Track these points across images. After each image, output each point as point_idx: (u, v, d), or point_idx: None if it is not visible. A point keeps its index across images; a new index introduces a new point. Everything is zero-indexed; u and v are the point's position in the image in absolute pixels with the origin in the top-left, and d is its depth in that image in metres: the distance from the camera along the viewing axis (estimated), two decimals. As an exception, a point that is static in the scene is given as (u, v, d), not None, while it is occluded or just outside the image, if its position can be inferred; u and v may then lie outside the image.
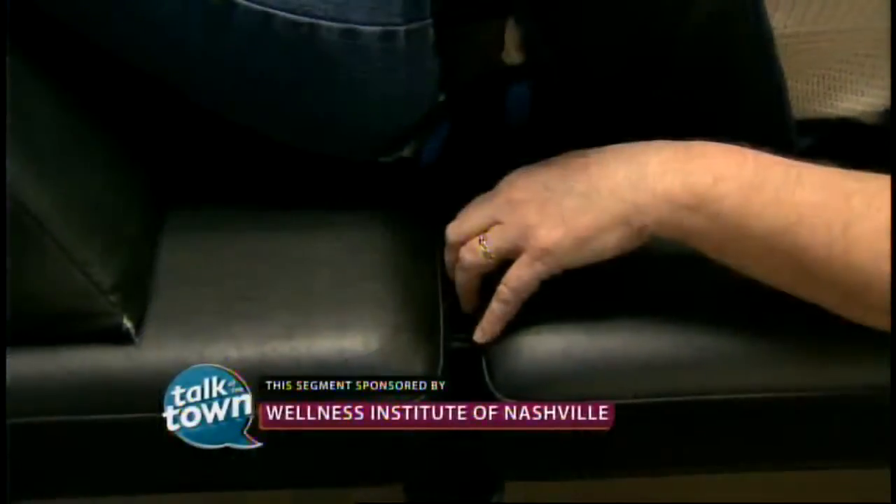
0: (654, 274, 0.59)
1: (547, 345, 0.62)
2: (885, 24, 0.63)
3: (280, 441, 0.59)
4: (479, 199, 0.63)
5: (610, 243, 0.57)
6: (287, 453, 0.63)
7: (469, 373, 0.65)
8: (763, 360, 0.62)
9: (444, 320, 0.66)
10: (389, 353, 0.61)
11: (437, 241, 0.71)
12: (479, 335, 0.63)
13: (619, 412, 0.61)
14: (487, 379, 0.63)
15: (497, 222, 0.60)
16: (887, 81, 0.66)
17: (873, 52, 0.64)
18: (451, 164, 0.72)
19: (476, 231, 0.61)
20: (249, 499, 0.96)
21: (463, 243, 0.62)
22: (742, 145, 0.57)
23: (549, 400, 0.58)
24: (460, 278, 0.63)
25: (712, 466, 0.71)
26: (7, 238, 0.54)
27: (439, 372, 0.62)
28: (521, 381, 0.62)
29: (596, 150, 0.59)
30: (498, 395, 0.62)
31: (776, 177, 0.54)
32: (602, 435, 0.61)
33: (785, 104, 0.64)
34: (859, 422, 0.64)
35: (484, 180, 0.66)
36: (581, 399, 0.58)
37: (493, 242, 0.60)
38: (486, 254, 0.60)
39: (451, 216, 0.73)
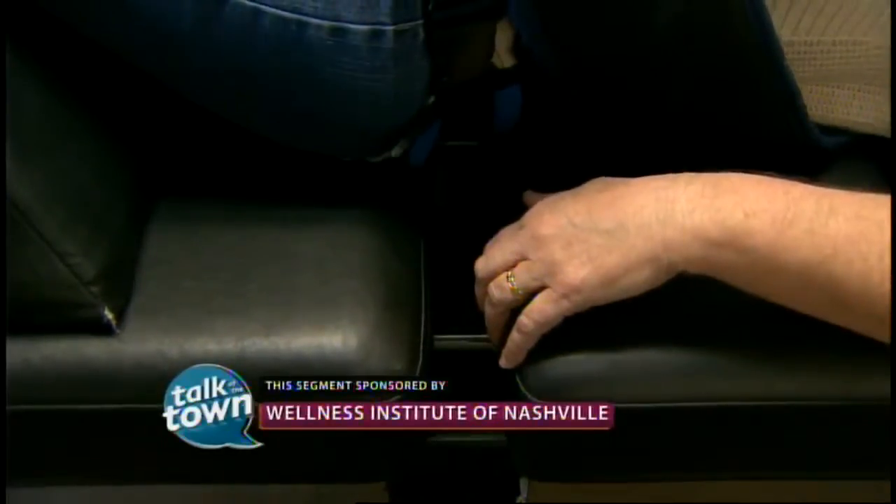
0: (682, 284, 0.58)
1: (578, 346, 0.62)
2: (882, 40, 0.63)
3: (276, 439, 0.60)
4: (505, 233, 0.62)
5: (638, 281, 0.56)
6: (281, 450, 0.64)
7: (481, 372, 0.65)
8: (786, 366, 0.62)
9: (426, 320, 0.66)
10: (368, 350, 0.61)
11: (423, 241, 0.72)
12: (504, 363, 0.63)
13: (648, 415, 0.62)
14: (518, 380, 0.63)
15: (524, 258, 0.60)
16: (883, 97, 0.66)
17: (870, 66, 0.64)
18: (441, 166, 0.72)
19: (503, 267, 0.61)
20: (268, 491, 0.96)
21: (491, 279, 0.62)
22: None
23: (581, 400, 0.59)
24: (489, 313, 0.63)
25: (738, 472, 0.71)
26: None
27: (418, 371, 0.62)
28: (552, 383, 0.62)
29: (622, 182, 0.58)
30: (529, 396, 0.62)
31: (808, 209, 0.52)
32: (628, 437, 0.63)
33: (798, 106, 0.63)
34: (865, 432, 0.64)
35: (474, 183, 0.66)
36: (612, 401, 0.59)
37: (521, 279, 0.59)
38: (513, 290, 0.60)
39: (438, 218, 0.74)
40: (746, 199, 0.54)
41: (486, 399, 0.70)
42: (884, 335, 0.53)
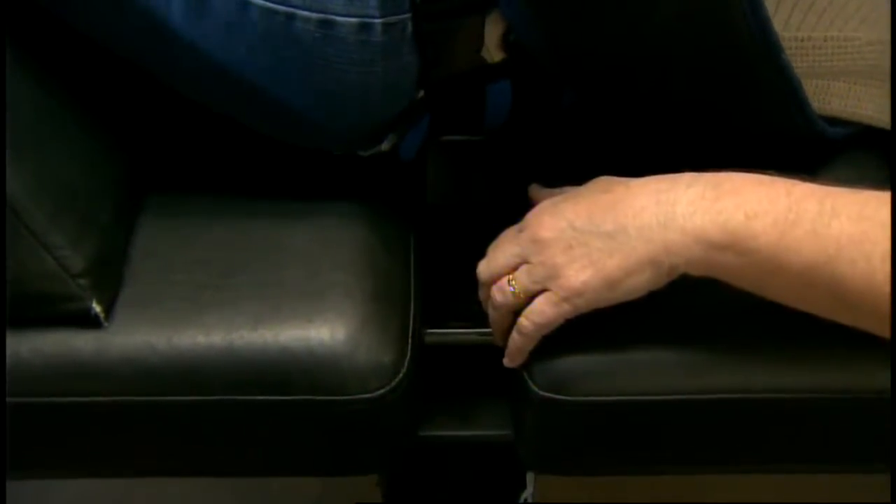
0: (686, 280, 0.58)
1: (584, 341, 0.62)
2: (874, 36, 0.63)
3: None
4: (506, 236, 0.62)
5: (639, 284, 0.56)
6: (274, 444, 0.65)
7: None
8: (789, 360, 0.62)
9: (415, 313, 0.66)
10: (356, 343, 0.61)
11: (413, 235, 0.72)
12: (507, 362, 0.64)
13: (653, 408, 0.62)
14: (525, 375, 0.63)
15: (525, 261, 0.60)
16: (881, 91, 0.66)
17: (865, 61, 0.64)
18: (431, 160, 0.72)
19: (505, 270, 0.61)
20: (273, 485, 0.97)
21: (493, 282, 0.62)
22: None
23: (585, 395, 0.60)
24: (492, 315, 0.63)
25: (742, 465, 0.72)
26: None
27: (406, 365, 0.62)
28: (558, 377, 0.62)
29: (622, 183, 0.58)
30: (535, 390, 0.62)
31: (810, 210, 0.52)
32: (635, 430, 0.63)
33: (801, 97, 0.63)
34: (869, 426, 0.64)
35: (465, 177, 0.66)
36: (616, 394, 0.59)
37: (522, 283, 0.59)
38: (515, 294, 0.60)
39: (428, 212, 0.74)
40: (748, 200, 0.53)
41: (480, 391, 0.71)
42: (888, 333, 0.52)
